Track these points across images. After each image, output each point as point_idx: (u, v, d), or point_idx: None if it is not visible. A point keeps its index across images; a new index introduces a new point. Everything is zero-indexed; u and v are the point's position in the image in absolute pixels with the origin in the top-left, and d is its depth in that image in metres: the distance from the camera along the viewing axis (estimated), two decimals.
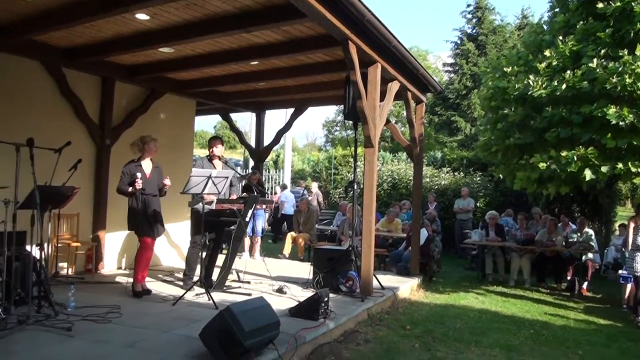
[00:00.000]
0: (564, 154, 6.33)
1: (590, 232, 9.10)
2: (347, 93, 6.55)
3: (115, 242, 7.94)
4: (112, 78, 7.80)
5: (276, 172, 18.63)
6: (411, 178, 11.76)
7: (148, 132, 6.31)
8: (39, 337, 4.20)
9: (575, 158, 6.27)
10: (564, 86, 6.32)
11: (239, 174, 7.20)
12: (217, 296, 5.73)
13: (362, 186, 6.81)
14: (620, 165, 6.07)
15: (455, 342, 5.27)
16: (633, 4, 6.06)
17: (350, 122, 6.92)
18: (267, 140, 10.86)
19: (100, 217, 7.66)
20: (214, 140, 6.75)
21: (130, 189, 5.81)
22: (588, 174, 6.26)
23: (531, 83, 6.60)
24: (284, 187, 14.71)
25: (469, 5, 28.31)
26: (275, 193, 14.84)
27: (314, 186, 14.97)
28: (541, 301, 7.73)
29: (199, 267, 6.26)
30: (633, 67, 5.82)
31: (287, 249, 10.37)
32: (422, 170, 9.51)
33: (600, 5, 6.31)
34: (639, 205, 7.33)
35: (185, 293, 5.75)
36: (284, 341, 4.26)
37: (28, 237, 4.92)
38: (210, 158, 6.57)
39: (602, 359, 5.13)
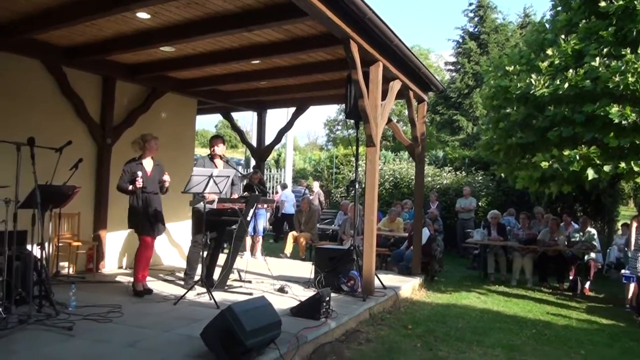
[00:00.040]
0: (566, 153, 6.31)
1: (593, 231, 9.08)
2: (349, 92, 6.54)
3: (116, 242, 7.94)
4: (113, 77, 7.79)
5: (277, 171, 18.62)
6: (413, 177, 11.75)
7: (149, 131, 6.30)
8: (40, 337, 4.20)
9: (578, 157, 6.25)
10: (566, 85, 6.29)
11: (241, 173, 7.19)
12: (219, 295, 5.72)
13: (363, 185, 6.80)
14: (622, 165, 6.04)
15: (457, 342, 5.26)
16: (636, 2, 6.03)
17: (352, 121, 6.91)
18: (268, 140, 10.85)
19: (101, 216, 7.66)
20: (215, 139, 6.74)
21: (130, 187, 5.81)
22: (590, 173, 6.23)
23: (533, 82, 6.58)
24: (284, 187, 14.70)
25: (471, 4, 28.28)
26: (277, 192, 14.83)
27: (316, 185, 14.95)
28: (543, 301, 7.72)
29: (200, 266, 6.25)
30: (636, 65, 5.80)
31: (289, 248, 10.36)
32: (424, 169, 9.50)
33: (602, 3, 6.29)
34: None
35: (186, 292, 5.74)
36: (286, 341, 4.25)
37: (29, 236, 4.92)
38: (212, 157, 6.56)
39: (605, 358, 5.11)
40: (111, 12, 5.41)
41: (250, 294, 5.97)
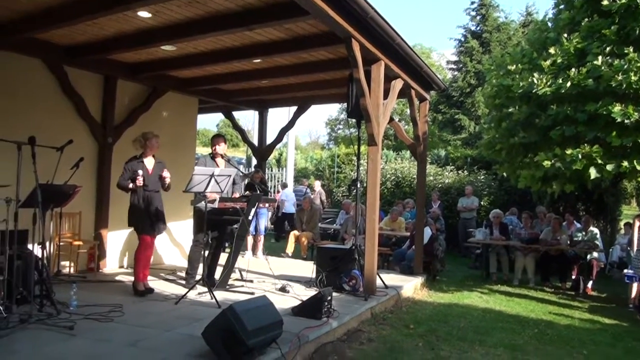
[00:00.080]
0: (568, 152, 6.30)
1: (595, 230, 9.04)
2: (350, 91, 6.52)
3: (117, 241, 7.93)
4: (114, 76, 7.78)
5: (279, 170, 18.61)
6: (415, 176, 11.73)
7: (150, 130, 6.28)
8: (41, 336, 4.19)
9: (580, 156, 6.23)
10: (568, 84, 6.28)
11: (242, 172, 7.18)
12: (220, 295, 5.71)
13: (365, 184, 6.78)
14: (625, 164, 6.03)
15: (459, 342, 5.25)
16: (638, 0, 6.01)
17: (354, 120, 6.89)
18: (269, 139, 10.84)
19: (102, 215, 7.65)
20: (217, 138, 6.73)
21: (131, 184, 5.80)
22: (593, 173, 6.22)
23: (535, 81, 6.56)
24: (284, 186, 14.69)
25: (473, 3, 28.23)
26: (278, 192, 14.83)
27: (317, 185, 14.94)
28: (545, 300, 7.70)
29: (201, 265, 6.24)
30: (638, 64, 5.78)
31: (290, 247, 10.35)
32: (426, 168, 9.48)
33: (605, 2, 6.27)
34: None
35: (187, 292, 5.74)
36: (287, 340, 4.23)
37: (30, 235, 4.91)
38: (213, 156, 6.55)
39: (607, 358, 5.10)
40: (112, 11, 5.39)
41: (252, 293, 5.96)
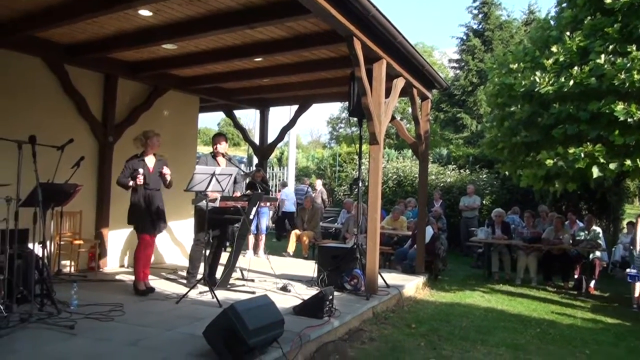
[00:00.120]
0: (571, 150, 6.27)
1: (598, 230, 9.02)
2: (352, 90, 6.51)
3: (118, 240, 7.92)
4: (114, 75, 7.77)
5: (280, 169, 18.60)
6: (416, 175, 11.72)
7: (151, 129, 6.26)
8: (42, 335, 4.18)
9: (583, 155, 6.20)
10: (571, 82, 6.25)
11: (243, 171, 7.16)
12: (221, 294, 5.70)
13: (367, 184, 6.77)
14: (628, 162, 6.01)
15: (461, 341, 5.23)
16: None
17: (355, 119, 6.87)
18: (271, 138, 10.83)
19: (103, 214, 7.64)
20: (218, 137, 6.72)
21: (131, 182, 5.79)
22: (595, 171, 6.20)
23: (538, 80, 6.53)
24: (284, 185, 14.68)
25: (475, 1, 28.15)
26: (279, 191, 14.82)
27: (318, 184, 14.92)
28: (548, 300, 7.67)
29: (202, 265, 6.23)
30: None
31: (291, 246, 10.33)
32: (428, 167, 9.46)
33: (608, 0, 6.23)
34: None
35: (188, 291, 5.73)
36: (288, 340, 4.22)
37: (30, 234, 4.90)
38: (214, 155, 6.54)
39: (610, 358, 5.08)
40: (113, 9, 5.38)
41: (253, 292, 5.94)
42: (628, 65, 5.83)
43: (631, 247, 8.84)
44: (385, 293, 6.50)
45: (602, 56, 6.07)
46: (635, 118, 5.78)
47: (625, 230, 10.40)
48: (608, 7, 6.27)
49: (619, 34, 6.17)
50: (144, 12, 5.71)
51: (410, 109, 9.53)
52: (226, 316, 3.76)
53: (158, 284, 6.46)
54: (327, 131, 45.94)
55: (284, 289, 6.38)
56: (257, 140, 11.06)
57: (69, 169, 6.03)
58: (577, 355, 5.04)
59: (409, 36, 6.50)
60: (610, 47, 6.15)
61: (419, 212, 8.87)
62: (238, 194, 6.62)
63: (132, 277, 6.17)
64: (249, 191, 7.40)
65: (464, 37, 28.28)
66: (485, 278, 9.30)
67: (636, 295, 7.16)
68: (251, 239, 9.71)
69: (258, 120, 11.30)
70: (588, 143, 6.28)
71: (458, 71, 28.59)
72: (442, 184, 13.63)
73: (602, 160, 6.14)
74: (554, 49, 6.67)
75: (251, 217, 6.43)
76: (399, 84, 7.18)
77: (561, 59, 6.58)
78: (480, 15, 28.00)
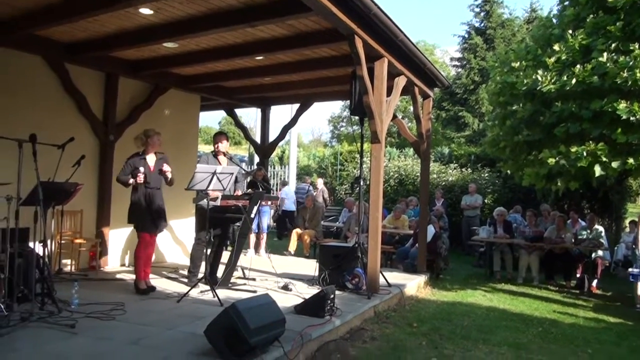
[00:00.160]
0: (573, 149, 6.25)
1: (600, 229, 8.99)
2: (353, 88, 6.49)
3: (119, 239, 7.91)
4: (115, 73, 7.76)
5: (281, 168, 18.60)
6: (418, 174, 11.70)
7: (152, 128, 6.25)
8: (42, 334, 4.17)
9: (585, 153, 6.18)
10: (573, 81, 6.22)
11: (244, 170, 7.15)
12: (222, 293, 5.69)
13: (368, 182, 6.75)
14: (631, 161, 5.97)
15: (462, 340, 5.22)
16: None
17: (357, 117, 6.86)
18: (272, 136, 10.82)
19: (104, 213, 7.64)
20: (219, 135, 6.71)
21: (131, 180, 5.78)
22: (598, 170, 6.17)
23: (540, 78, 6.51)
24: (284, 184, 14.66)
25: None
26: (279, 190, 14.82)
27: (320, 182, 14.91)
28: (550, 299, 7.66)
29: (203, 264, 6.22)
30: None
31: (293, 245, 10.32)
32: (429, 166, 9.44)
33: None
34: None
35: (189, 290, 5.72)
36: (290, 338, 4.21)
37: (31, 233, 4.88)
38: (215, 154, 6.52)
39: (612, 357, 5.06)
40: (113, 7, 5.37)
41: (254, 291, 5.94)
42: (630, 63, 5.80)
43: (633, 246, 8.83)
44: (387, 292, 6.49)
45: (605, 54, 6.04)
46: (637, 116, 5.75)
47: (627, 229, 10.37)
48: (610, 5, 6.24)
49: (622, 32, 6.14)
50: (145, 11, 5.70)
51: (411, 108, 9.50)
52: (227, 315, 3.75)
53: (159, 283, 6.45)
54: (328, 130, 46.01)
55: (285, 288, 6.37)
56: (258, 139, 11.05)
57: (69, 168, 6.03)
58: (579, 355, 5.02)
59: (411, 34, 6.49)
60: (613, 45, 6.11)
61: (421, 211, 8.85)
62: (239, 192, 6.60)
63: (133, 276, 6.16)
64: (250, 190, 7.39)
65: (466, 35, 28.21)
66: (487, 277, 9.29)
67: (638, 294, 7.13)
68: (252, 237, 9.70)
69: (259, 119, 11.31)
70: (590, 142, 6.26)
71: (460, 69, 28.53)
72: (443, 183, 13.61)
73: (604, 159, 6.11)
74: (556, 47, 6.64)
75: (252, 216, 6.42)
76: (400, 82, 7.16)
77: (563, 57, 6.55)
78: (482, 14, 27.92)
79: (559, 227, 8.89)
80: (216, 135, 6.76)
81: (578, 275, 8.72)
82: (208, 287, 5.71)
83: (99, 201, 7.66)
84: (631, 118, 5.79)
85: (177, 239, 8.99)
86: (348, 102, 6.89)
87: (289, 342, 4.15)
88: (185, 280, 6.66)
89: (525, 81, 6.74)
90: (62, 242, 6.91)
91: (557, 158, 6.43)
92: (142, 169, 5.78)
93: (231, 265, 6.36)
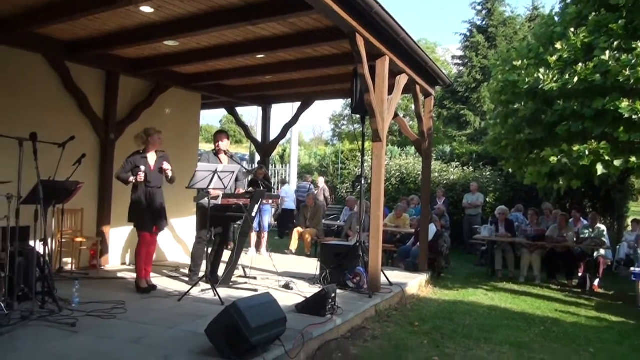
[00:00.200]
0: (575, 148, 6.23)
1: (603, 227, 8.97)
2: (355, 86, 6.48)
3: (119, 238, 7.91)
4: (116, 72, 7.75)
5: (282, 166, 18.58)
6: (419, 173, 11.67)
7: (153, 126, 6.24)
8: (43, 333, 4.17)
9: (587, 152, 6.16)
10: (575, 79, 6.21)
11: (245, 168, 7.14)
12: (223, 292, 5.69)
13: (369, 181, 6.74)
14: (633, 159, 5.97)
15: (464, 339, 5.20)
16: None
17: (358, 116, 6.85)
18: (273, 135, 10.80)
19: (104, 212, 7.63)
20: (220, 134, 6.69)
21: (131, 178, 5.77)
22: (600, 168, 6.16)
23: (542, 77, 6.49)
24: (283, 182, 14.65)
25: None
26: (279, 188, 14.82)
27: (321, 181, 14.90)
28: (552, 298, 7.64)
29: (204, 262, 6.21)
30: None
31: (294, 244, 10.32)
32: (431, 164, 9.43)
33: None
34: None
35: (190, 289, 5.70)
36: (291, 337, 4.20)
37: (32, 232, 4.87)
38: (216, 152, 6.51)
39: (614, 356, 5.05)
40: (114, 5, 5.36)
41: (255, 290, 5.94)
42: (633, 61, 5.79)
43: (636, 245, 8.82)
44: (388, 291, 6.48)
45: (607, 52, 6.02)
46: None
47: (629, 228, 10.35)
48: (613, 3, 6.23)
49: (624, 30, 6.13)
50: (146, 9, 5.69)
51: (413, 106, 9.49)
52: (228, 314, 3.74)
53: (160, 281, 6.44)
54: (329, 128, 45.92)
55: (287, 286, 6.36)
56: (259, 138, 11.04)
57: (70, 167, 6.02)
58: (581, 354, 5.01)
59: (412, 33, 6.48)
60: (615, 43, 6.10)
61: (422, 210, 8.84)
62: (241, 191, 6.59)
63: (134, 275, 6.16)
64: (251, 188, 7.38)
65: (468, 34, 28.14)
66: (489, 276, 9.27)
67: None
68: (253, 236, 9.69)
69: (260, 118, 11.29)
70: (592, 140, 6.24)
71: (461, 68, 28.46)
72: (445, 182, 13.59)
73: (606, 158, 6.10)
74: (558, 45, 6.62)
75: (253, 214, 6.41)
76: (402, 80, 7.14)
77: (565, 55, 6.53)
78: (483, 12, 27.85)
79: (561, 225, 8.87)
80: (217, 134, 6.75)
81: (580, 274, 8.70)
82: (209, 286, 5.70)
83: (99, 200, 7.65)
84: (633, 116, 5.79)
85: (178, 237, 8.98)
86: (349, 100, 6.88)
87: (290, 341, 4.15)
88: (186, 279, 6.66)
89: (527, 79, 6.73)
90: (63, 240, 6.92)
91: (559, 156, 6.42)
92: (142, 167, 5.77)
93: (232, 264, 6.35)
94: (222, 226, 6.58)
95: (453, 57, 31.38)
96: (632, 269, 7.61)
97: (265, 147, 10.85)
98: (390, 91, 6.79)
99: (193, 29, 6.07)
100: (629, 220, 11.17)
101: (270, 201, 7.76)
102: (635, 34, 6.09)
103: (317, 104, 11.00)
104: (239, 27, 6.06)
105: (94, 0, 5.34)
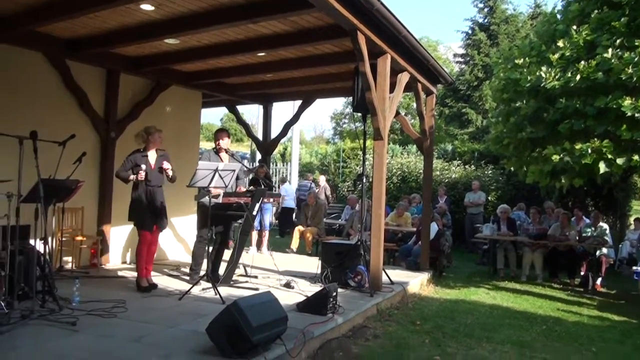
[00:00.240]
0: (578, 146, 6.21)
1: (605, 226, 8.94)
2: (356, 84, 6.46)
3: (120, 236, 7.90)
4: (116, 70, 7.74)
5: (283, 165, 18.57)
6: (421, 171, 11.65)
7: (153, 125, 6.22)
8: (43, 332, 4.15)
9: (590, 150, 6.14)
10: (577, 77, 6.18)
11: (246, 167, 7.12)
12: (224, 291, 5.66)
13: (371, 179, 6.72)
14: (636, 158, 5.95)
15: (465, 338, 5.19)
16: None
17: (359, 114, 6.82)
18: (274, 133, 10.78)
19: (105, 210, 7.62)
20: (220, 132, 6.67)
21: (131, 176, 5.75)
22: (602, 167, 6.13)
23: (544, 75, 6.47)
24: (283, 181, 14.64)
25: None
26: (279, 187, 14.79)
27: (322, 179, 14.89)
28: (554, 297, 7.62)
29: (205, 261, 6.20)
30: None
31: (295, 243, 10.31)
32: (432, 163, 9.40)
33: None
34: None
35: (191, 287, 5.68)
36: (292, 336, 4.19)
37: (32, 231, 4.86)
38: (217, 151, 6.49)
39: (616, 355, 5.03)
40: (115, 3, 5.36)
41: (256, 289, 5.93)
42: (635, 59, 5.76)
43: (638, 244, 8.79)
44: (390, 290, 6.46)
45: (610, 50, 6.00)
46: None
47: (632, 227, 10.34)
48: (615, 0, 6.19)
49: (627, 28, 6.10)
50: (146, 7, 5.67)
51: (414, 104, 9.46)
52: (229, 313, 3.73)
53: (161, 280, 6.43)
54: (330, 126, 45.79)
55: (288, 285, 6.35)
56: (260, 136, 11.02)
57: (70, 165, 6.01)
58: (583, 353, 4.99)
59: (414, 30, 6.45)
60: (618, 41, 6.07)
61: (424, 208, 8.82)
62: (242, 189, 6.57)
63: (135, 274, 6.15)
64: (251, 187, 7.37)
65: (470, 32, 28.08)
66: (491, 275, 9.25)
67: None
68: (254, 235, 9.68)
69: (261, 116, 11.26)
70: (595, 138, 6.21)
71: (463, 66, 28.39)
72: (446, 180, 13.57)
73: (609, 156, 6.07)
74: (560, 43, 6.59)
75: (254, 213, 6.40)
76: (403, 78, 7.12)
77: (567, 53, 6.51)
78: (485, 9, 27.78)
79: (563, 224, 8.85)
80: (217, 132, 6.73)
81: (582, 273, 8.69)
82: (210, 285, 5.69)
83: (100, 198, 7.64)
84: (636, 115, 5.76)
85: (179, 236, 8.97)
86: (350, 98, 6.86)
87: (291, 340, 4.13)
88: (187, 277, 6.65)
89: (529, 78, 6.70)
90: (63, 239, 6.91)
91: (561, 155, 6.40)
92: (143, 166, 5.75)
93: (233, 263, 6.33)
94: (223, 225, 6.56)
95: (455, 55, 31.30)
96: (634, 267, 7.62)
97: (266, 146, 10.83)
98: (392, 89, 6.77)
99: (194, 26, 6.06)
100: (631, 219, 11.16)
101: (272, 200, 7.75)
102: (638, 31, 6.06)
103: (318, 102, 10.97)
104: (240, 25, 6.05)
105: None
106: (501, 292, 7.77)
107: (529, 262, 8.96)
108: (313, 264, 7.30)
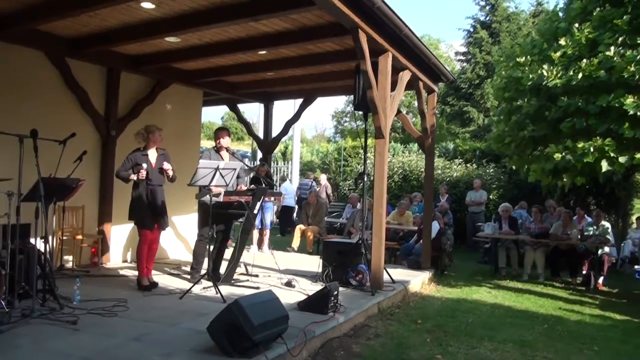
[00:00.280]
0: (580, 145, 6.19)
1: (607, 225, 8.92)
2: (357, 83, 6.44)
3: (121, 235, 7.90)
4: (117, 68, 7.73)
5: (284, 163, 18.56)
6: (422, 170, 11.63)
7: (154, 123, 6.22)
8: (44, 331, 4.15)
9: (592, 149, 6.12)
10: (580, 75, 6.17)
11: (247, 165, 7.11)
12: (225, 289, 5.66)
13: (372, 178, 6.71)
14: (638, 156, 5.93)
15: (467, 337, 5.17)
16: None
17: (360, 112, 6.81)
18: (275, 132, 10.77)
19: (105, 209, 7.62)
20: (221, 131, 6.66)
21: (132, 176, 5.74)
22: (604, 165, 6.12)
23: (545, 73, 6.45)
24: (283, 179, 14.63)
25: None
26: (279, 185, 14.79)
27: (323, 178, 14.88)
28: (555, 296, 7.60)
29: (206, 260, 6.19)
30: None
31: (296, 242, 10.30)
32: (434, 161, 9.40)
33: None
34: None
35: (192, 286, 5.69)
36: (293, 335, 4.17)
37: (32, 229, 4.86)
38: (218, 149, 6.48)
39: (618, 355, 5.00)
40: (115, 2, 5.35)
41: (257, 288, 5.92)
42: (638, 57, 5.75)
43: None
44: (391, 289, 6.45)
45: (612, 48, 5.98)
46: None
47: (634, 226, 10.31)
48: None
49: (629, 26, 6.08)
50: (147, 5, 5.67)
51: (416, 103, 9.45)
52: (230, 312, 3.72)
53: (161, 279, 6.43)
54: (331, 125, 45.73)
55: (289, 284, 6.34)
56: (261, 135, 11.01)
57: (71, 164, 6.00)
58: (585, 352, 4.97)
59: (415, 28, 6.43)
60: (620, 39, 6.06)
61: (425, 207, 8.81)
62: (243, 187, 6.56)
63: (135, 273, 6.15)
64: (252, 186, 7.36)
65: (471, 30, 27.98)
66: (492, 274, 9.23)
67: None
68: (255, 234, 9.67)
69: (262, 114, 11.25)
70: (597, 137, 6.19)
71: (465, 64, 28.30)
72: (448, 179, 13.55)
73: (611, 154, 6.05)
74: (562, 41, 6.58)
75: (255, 211, 6.39)
76: (404, 77, 7.10)
77: (569, 51, 6.49)
78: (487, 7, 27.69)
79: (565, 223, 8.82)
80: (218, 131, 6.72)
81: (584, 272, 8.66)
82: (211, 284, 5.69)
83: (100, 197, 7.63)
84: (638, 113, 5.73)
85: (180, 235, 8.96)
86: (352, 97, 6.85)
87: (292, 339, 4.12)
88: (188, 276, 6.65)
89: (530, 76, 6.69)
90: (64, 238, 6.91)
91: (563, 153, 6.39)
92: (144, 165, 5.74)
93: (234, 262, 6.33)
94: (224, 223, 6.55)
95: (456, 54, 31.22)
96: (636, 266, 7.60)
97: (267, 144, 10.82)
98: (393, 88, 6.76)
99: (194, 25, 6.05)
100: (633, 218, 11.12)
101: (272, 198, 7.73)
102: None
103: (319, 101, 10.96)
104: (241, 23, 6.04)
105: None
106: (503, 291, 7.75)
107: (530, 261, 8.94)
108: (314, 263, 7.29)
